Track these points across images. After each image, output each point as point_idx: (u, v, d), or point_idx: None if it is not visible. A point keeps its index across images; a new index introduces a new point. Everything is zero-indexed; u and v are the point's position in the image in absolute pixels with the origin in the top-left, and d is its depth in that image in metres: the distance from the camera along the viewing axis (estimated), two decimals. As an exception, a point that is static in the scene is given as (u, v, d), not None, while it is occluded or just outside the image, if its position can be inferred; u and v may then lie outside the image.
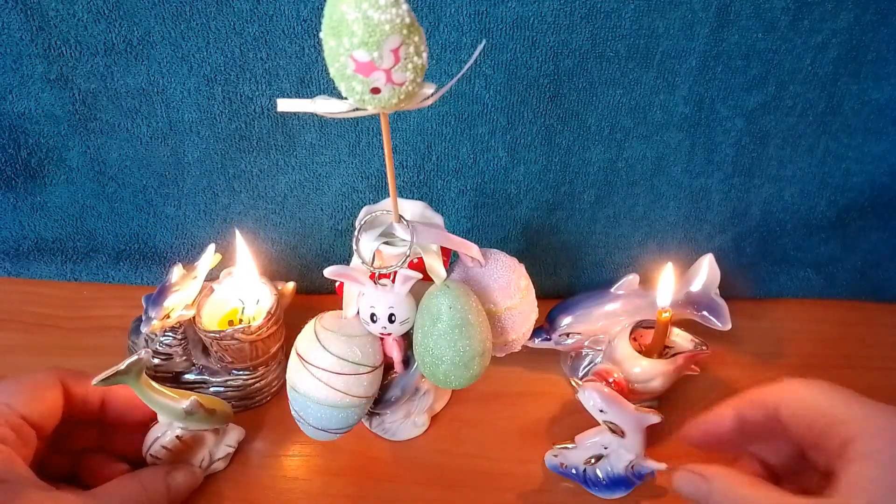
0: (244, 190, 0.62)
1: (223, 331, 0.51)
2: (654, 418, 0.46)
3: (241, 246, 0.54)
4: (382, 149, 0.40)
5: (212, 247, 0.53)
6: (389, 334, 0.46)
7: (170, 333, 0.53)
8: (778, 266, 0.67)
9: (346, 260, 0.46)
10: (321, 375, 0.44)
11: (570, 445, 0.49)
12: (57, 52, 0.55)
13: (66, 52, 0.55)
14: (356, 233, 0.43)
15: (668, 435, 0.53)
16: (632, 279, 0.55)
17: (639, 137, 0.58)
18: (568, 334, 0.54)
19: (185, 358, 0.54)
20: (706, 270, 0.55)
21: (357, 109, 0.35)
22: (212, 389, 0.54)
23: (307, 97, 0.36)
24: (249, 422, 0.54)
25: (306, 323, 0.47)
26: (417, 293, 0.45)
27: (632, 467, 0.47)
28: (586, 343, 0.55)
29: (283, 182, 0.61)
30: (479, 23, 0.52)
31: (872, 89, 0.57)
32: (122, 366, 0.42)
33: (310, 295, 0.62)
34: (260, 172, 0.61)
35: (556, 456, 0.50)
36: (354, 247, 0.43)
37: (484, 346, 0.44)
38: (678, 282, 0.54)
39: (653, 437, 0.51)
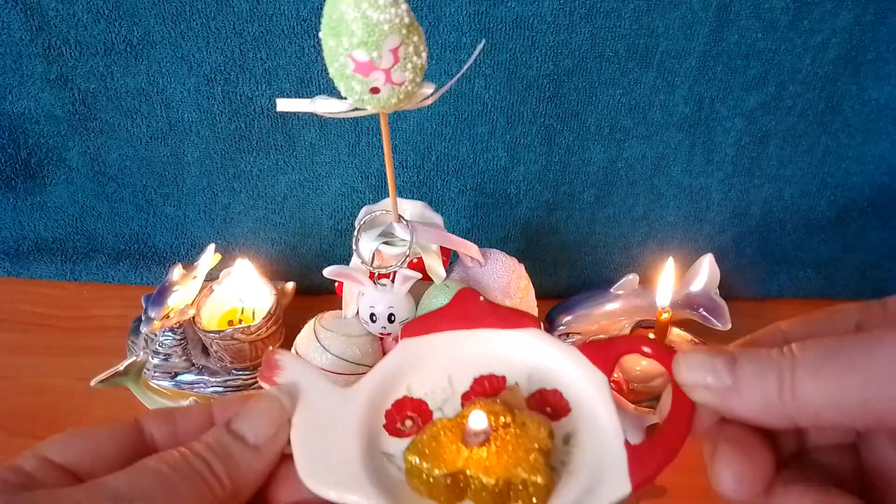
0: (244, 190, 0.62)
1: (223, 331, 0.51)
2: (654, 418, 0.46)
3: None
4: (382, 149, 0.40)
5: (212, 247, 0.53)
6: (389, 334, 0.46)
7: (169, 333, 0.53)
8: (778, 266, 0.67)
9: (345, 260, 0.46)
10: (321, 375, 0.44)
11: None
12: (57, 52, 0.55)
13: (66, 52, 0.55)
14: (356, 233, 0.43)
15: (668, 435, 0.53)
16: (632, 279, 0.55)
17: (639, 137, 0.58)
18: (568, 334, 0.54)
19: (184, 358, 0.54)
20: (706, 270, 0.55)
21: (356, 109, 0.35)
22: (211, 389, 0.54)
23: (307, 97, 0.36)
24: (249, 422, 0.54)
25: (306, 323, 0.47)
26: (417, 293, 0.44)
27: (632, 467, 0.47)
28: (586, 343, 0.55)
29: (283, 182, 0.61)
30: (479, 23, 0.52)
31: (872, 89, 0.57)
32: (121, 367, 0.42)
33: (309, 295, 0.62)
34: (260, 172, 0.61)
35: (555, 456, 0.50)
36: (354, 247, 0.43)
37: (483, 345, 0.44)
38: (678, 282, 0.54)
39: (653, 437, 0.51)
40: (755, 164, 0.61)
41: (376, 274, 0.43)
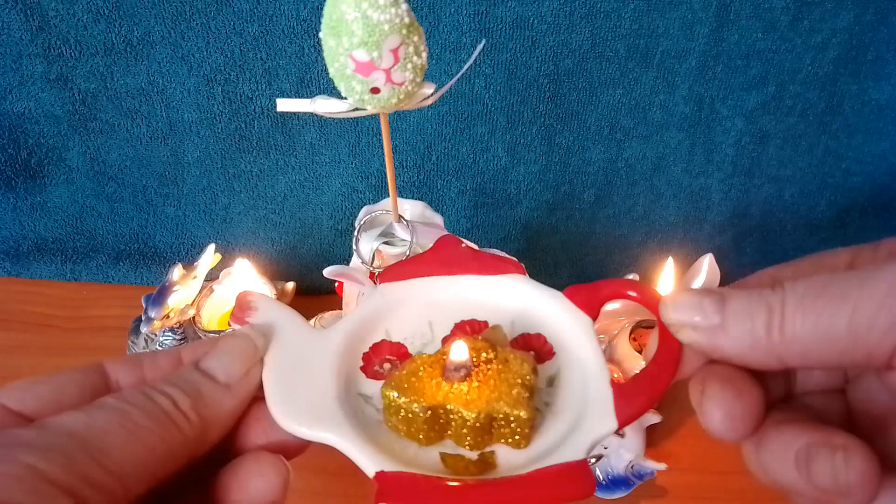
0: (244, 190, 0.62)
1: (223, 331, 0.51)
2: (654, 418, 0.46)
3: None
4: (382, 149, 0.40)
5: (212, 247, 0.53)
6: (389, 334, 0.45)
7: (169, 333, 0.53)
8: (778, 266, 0.67)
9: (346, 260, 0.46)
10: (321, 375, 0.44)
11: (569, 445, 0.49)
12: (57, 52, 0.55)
13: (66, 52, 0.55)
14: (356, 233, 0.43)
15: (668, 435, 0.53)
16: (631, 279, 0.55)
17: (639, 137, 0.58)
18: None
19: (184, 358, 0.54)
20: (706, 270, 0.55)
21: (357, 109, 0.35)
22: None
23: (307, 97, 0.36)
24: (249, 422, 0.54)
25: (306, 323, 0.46)
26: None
27: (632, 467, 0.47)
28: (586, 343, 0.54)
29: (283, 182, 0.61)
30: (479, 23, 0.52)
31: (872, 89, 0.57)
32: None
33: (310, 295, 0.62)
34: (260, 172, 0.61)
35: (555, 456, 0.50)
36: (354, 247, 0.43)
37: (484, 345, 0.44)
38: (678, 282, 0.54)
39: (653, 437, 0.51)
40: (755, 164, 0.61)
41: (376, 274, 0.44)
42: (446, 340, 0.28)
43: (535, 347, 0.28)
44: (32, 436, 0.20)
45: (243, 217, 0.64)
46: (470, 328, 0.29)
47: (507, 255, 0.49)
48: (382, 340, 0.28)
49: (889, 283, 0.21)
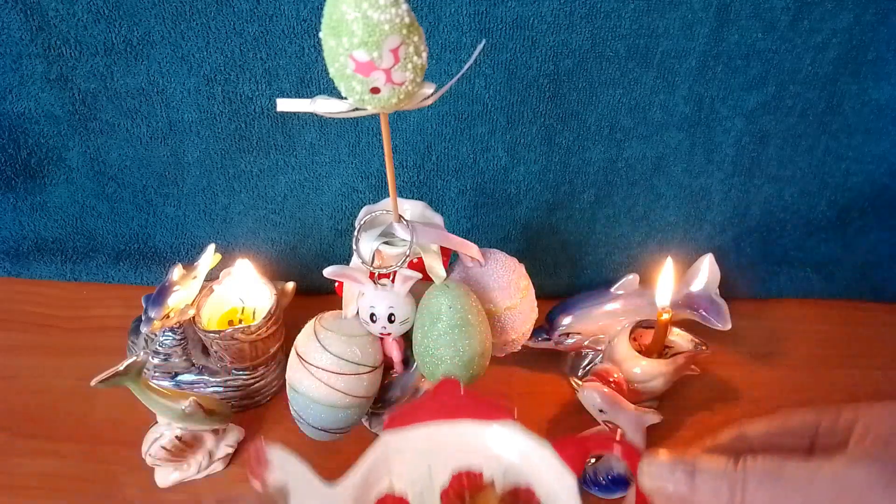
0: (244, 190, 0.62)
1: (223, 331, 0.51)
2: (654, 418, 0.46)
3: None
4: (382, 149, 0.40)
5: (212, 247, 0.53)
6: (389, 334, 0.46)
7: (169, 333, 0.53)
8: (778, 266, 0.67)
9: (345, 260, 0.46)
10: (321, 375, 0.44)
11: (569, 445, 0.49)
12: (57, 52, 0.55)
13: (66, 52, 0.55)
14: (356, 233, 0.43)
15: (668, 435, 0.53)
16: (632, 279, 0.55)
17: (639, 137, 0.58)
18: (568, 334, 0.54)
19: (184, 358, 0.54)
20: (706, 270, 0.55)
21: (357, 109, 0.35)
22: (211, 389, 0.54)
23: (307, 97, 0.36)
24: (249, 422, 0.54)
25: (306, 323, 0.47)
26: (417, 293, 0.44)
27: (632, 467, 0.47)
28: (586, 343, 0.54)
29: (283, 182, 0.61)
30: (479, 23, 0.52)
31: (872, 89, 0.57)
32: (121, 367, 0.42)
33: (310, 295, 0.62)
34: (260, 172, 0.61)
35: (555, 456, 0.50)
36: (354, 247, 0.43)
37: (484, 346, 0.44)
38: (678, 282, 0.54)
39: (653, 437, 0.51)
40: (755, 164, 0.61)
41: (376, 274, 0.44)
42: (444, 494, 0.32)
43: (524, 500, 0.32)
44: None
45: (243, 217, 0.64)
46: (466, 480, 0.32)
47: (508, 256, 0.49)
48: (386, 495, 0.32)
49: (836, 488, 0.25)
